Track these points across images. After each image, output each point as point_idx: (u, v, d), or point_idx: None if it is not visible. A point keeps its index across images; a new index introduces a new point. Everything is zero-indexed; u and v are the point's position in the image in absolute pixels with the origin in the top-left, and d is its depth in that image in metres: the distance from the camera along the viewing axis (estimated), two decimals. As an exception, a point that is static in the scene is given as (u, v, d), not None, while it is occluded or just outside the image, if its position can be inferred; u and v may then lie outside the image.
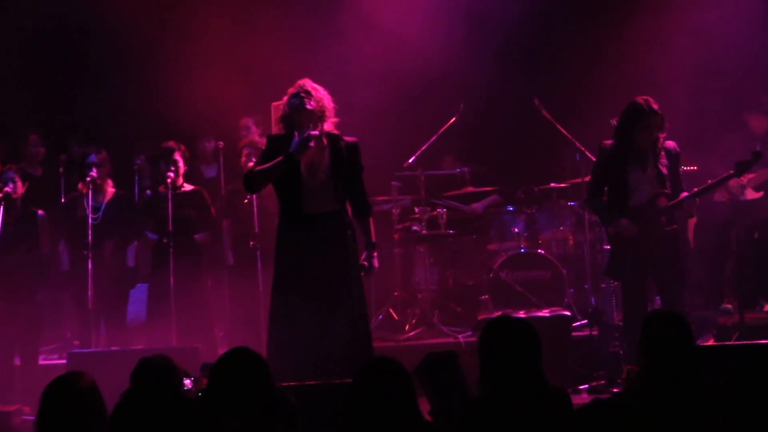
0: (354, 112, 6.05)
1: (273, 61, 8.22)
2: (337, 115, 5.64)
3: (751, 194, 8.13)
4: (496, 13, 9.18)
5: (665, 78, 8.37)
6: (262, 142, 7.25)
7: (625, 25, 8.85)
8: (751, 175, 7.97)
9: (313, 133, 5.40)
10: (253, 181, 5.62)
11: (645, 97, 6.21)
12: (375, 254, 5.71)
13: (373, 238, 5.74)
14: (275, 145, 5.62)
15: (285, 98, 5.62)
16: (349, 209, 5.73)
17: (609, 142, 6.36)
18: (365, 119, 7.67)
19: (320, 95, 5.54)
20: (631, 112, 6.21)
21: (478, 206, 8.94)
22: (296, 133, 5.47)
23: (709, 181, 6.53)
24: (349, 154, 5.61)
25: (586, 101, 8.59)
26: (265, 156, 5.68)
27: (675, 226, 6.31)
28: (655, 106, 6.15)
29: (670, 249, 6.27)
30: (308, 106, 5.49)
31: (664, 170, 6.25)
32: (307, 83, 5.57)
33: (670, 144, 6.32)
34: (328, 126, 5.60)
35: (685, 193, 6.24)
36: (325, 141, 5.59)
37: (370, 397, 3.36)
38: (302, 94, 5.51)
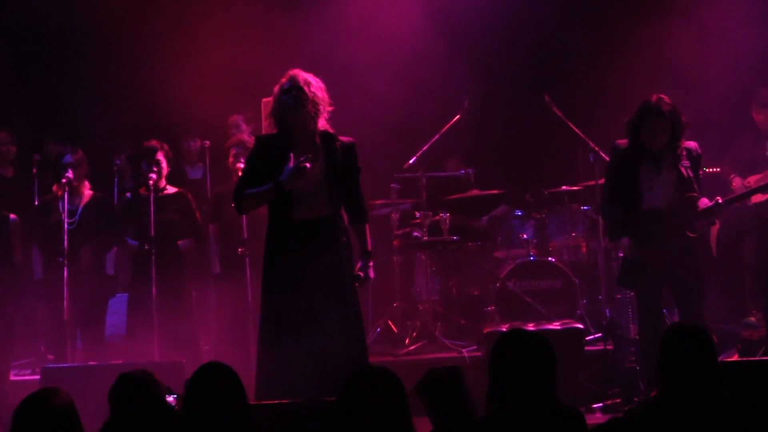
0: (350, 108, 6.03)
1: (264, 55, 8.21)
2: (331, 115, 5.59)
3: (756, 197, 8.04)
4: (504, 1, 9.19)
5: (692, 72, 8.35)
6: (252, 141, 7.24)
7: (649, 13, 8.80)
8: (757, 176, 7.99)
9: (307, 165, 5.34)
10: (241, 204, 5.62)
11: (659, 96, 6.16)
12: (371, 264, 5.68)
13: (369, 247, 5.72)
14: (264, 147, 5.58)
15: (275, 89, 5.55)
16: (344, 215, 5.69)
17: (622, 141, 6.35)
18: (362, 116, 7.68)
19: (314, 89, 5.47)
20: (639, 111, 6.20)
21: (486, 219, 8.93)
22: (291, 156, 5.39)
23: (729, 185, 6.52)
24: (344, 155, 5.58)
25: (601, 97, 8.59)
26: (252, 159, 5.65)
27: (694, 234, 6.30)
28: (666, 108, 6.09)
29: (688, 258, 6.25)
30: (302, 108, 5.45)
31: (685, 172, 6.23)
32: (300, 76, 5.49)
33: (692, 144, 6.30)
34: (323, 123, 5.56)
35: (704, 200, 6.22)
36: (318, 140, 5.55)
37: (358, 411, 3.34)
38: (295, 92, 5.44)
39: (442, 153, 9.10)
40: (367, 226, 5.74)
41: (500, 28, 9.26)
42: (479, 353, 7.41)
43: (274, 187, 5.39)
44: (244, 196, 5.54)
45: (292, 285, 5.42)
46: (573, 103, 8.43)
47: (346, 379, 3.44)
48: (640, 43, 8.69)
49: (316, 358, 5.29)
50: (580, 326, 7.23)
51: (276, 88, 5.55)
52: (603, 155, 7.59)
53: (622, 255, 6.73)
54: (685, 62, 8.46)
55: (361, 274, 5.59)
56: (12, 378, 7.45)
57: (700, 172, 6.40)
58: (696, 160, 6.31)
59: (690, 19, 8.49)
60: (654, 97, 6.16)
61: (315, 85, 5.50)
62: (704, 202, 6.21)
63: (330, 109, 5.56)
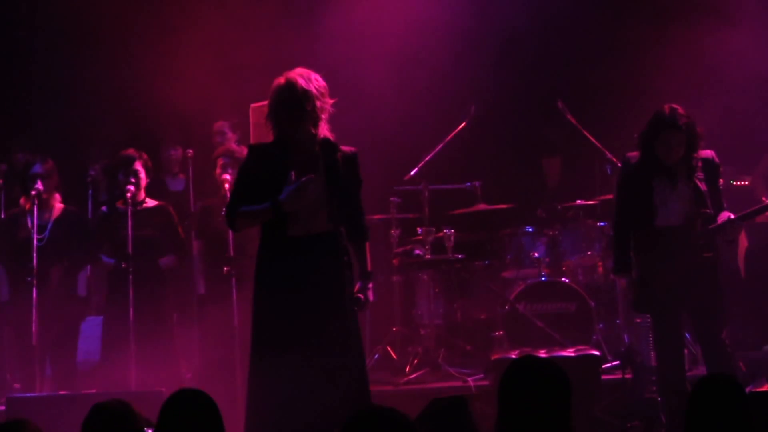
0: (346, 114, 6.02)
1: (253, 56, 8.24)
2: (330, 118, 5.55)
3: None
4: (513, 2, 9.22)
5: (724, 79, 8.35)
6: (240, 150, 7.25)
7: (672, 17, 8.80)
8: None
9: (309, 186, 5.30)
10: (235, 223, 5.57)
11: (673, 106, 6.15)
12: (370, 285, 5.65)
13: (369, 267, 5.68)
14: (259, 158, 5.52)
15: (273, 87, 5.47)
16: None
17: (633, 154, 6.37)
18: (358, 123, 7.67)
19: (314, 98, 5.36)
20: (652, 123, 6.21)
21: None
22: (292, 174, 5.35)
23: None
24: (346, 166, 5.54)
25: (618, 104, 8.60)
26: (246, 171, 5.57)
27: (710, 254, 6.29)
28: (682, 120, 6.09)
29: (706, 280, 6.25)
30: (302, 123, 5.41)
31: (702, 185, 6.24)
32: (298, 83, 5.35)
33: (708, 153, 6.30)
34: (323, 130, 5.51)
35: (726, 214, 6.23)
36: (318, 149, 5.52)
37: None
38: (292, 109, 5.35)
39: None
40: (367, 245, 5.71)
41: (511, 29, 9.27)
42: (486, 382, 7.41)
43: (272, 207, 5.37)
44: (239, 213, 5.51)
45: (286, 308, 5.39)
46: (589, 111, 8.45)
47: (345, 422, 3.42)
48: (661, 48, 8.71)
49: (312, 389, 5.27)
50: (597, 353, 7.24)
51: (273, 88, 5.43)
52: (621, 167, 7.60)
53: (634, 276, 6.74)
54: (709, 68, 8.49)
55: (361, 296, 5.56)
56: (-25, 409, 7.45)
57: (720, 182, 6.41)
58: (714, 171, 6.31)
59: (714, 23, 8.51)
60: (667, 108, 6.16)
61: (314, 90, 5.37)
62: (724, 217, 6.21)
63: (331, 101, 5.50)
